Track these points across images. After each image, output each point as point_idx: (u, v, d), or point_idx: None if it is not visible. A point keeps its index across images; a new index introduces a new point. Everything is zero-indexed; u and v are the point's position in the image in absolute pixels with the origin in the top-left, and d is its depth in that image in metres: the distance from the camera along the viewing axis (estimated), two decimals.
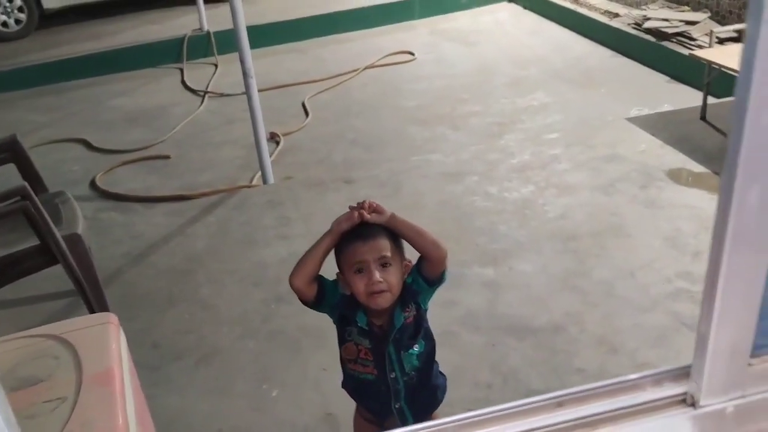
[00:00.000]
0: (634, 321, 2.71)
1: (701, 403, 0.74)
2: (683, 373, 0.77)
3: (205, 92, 5.97)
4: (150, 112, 5.69)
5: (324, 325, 2.87)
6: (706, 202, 3.48)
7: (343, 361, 1.71)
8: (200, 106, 5.69)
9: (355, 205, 1.58)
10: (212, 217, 3.91)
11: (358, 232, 1.57)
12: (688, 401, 0.75)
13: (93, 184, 4.45)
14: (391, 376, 1.64)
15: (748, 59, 0.57)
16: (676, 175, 3.77)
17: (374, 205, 1.57)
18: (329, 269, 1.66)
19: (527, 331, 2.71)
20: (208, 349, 2.82)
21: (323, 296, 1.63)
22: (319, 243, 1.59)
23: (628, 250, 3.17)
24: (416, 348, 1.65)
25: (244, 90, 4.06)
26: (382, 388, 1.66)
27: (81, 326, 1.23)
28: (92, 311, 2.61)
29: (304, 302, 1.65)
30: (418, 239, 1.57)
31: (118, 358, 1.12)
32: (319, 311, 1.68)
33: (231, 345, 2.84)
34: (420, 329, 1.66)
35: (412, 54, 6.35)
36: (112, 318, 1.23)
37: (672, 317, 2.70)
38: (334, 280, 1.64)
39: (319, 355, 2.64)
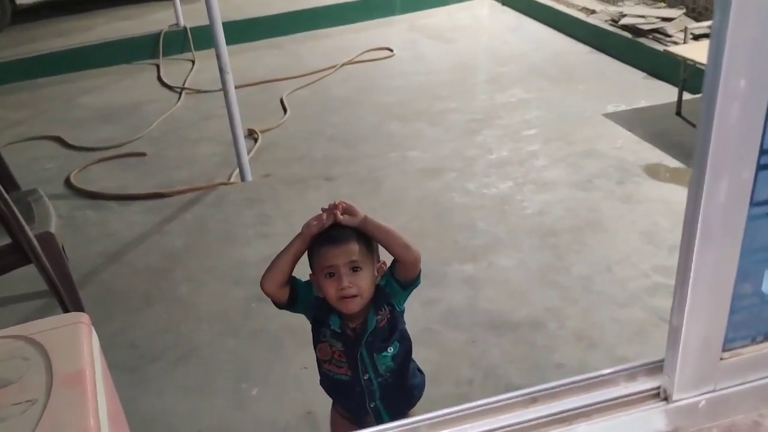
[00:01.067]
0: (613, 316, 2.73)
1: (674, 397, 0.74)
2: (657, 367, 0.77)
3: (182, 89, 5.91)
4: (125, 109, 5.61)
5: (306, 324, 2.86)
6: (682, 197, 3.48)
7: (319, 362, 1.71)
8: (177, 102, 5.63)
9: (328, 207, 1.56)
10: (189, 215, 3.87)
11: (330, 235, 1.55)
12: (661, 395, 0.75)
13: (67, 182, 4.38)
14: (365, 378, 1.64)
15: (715, 53, 0.56)
16: (653, 171, 3.81)
17: (346, 206, 1.55)
18: (303, 270, 1.65)
19: (507, 327, 2.72)
20: (187, 349, 2.80)
21: (296, 298, 1.62)
22: (290, 247, 1.57)
23: (605, 245, 3.20)
24: (390, 350, 1.65)
25: (219, 87, 4.02)
26: (356, 388, 1.65)
27: (51, 326, 1.20)
28: (67, 312, 2.56)
29: (278, 305, 1.64)
30: (390, 242, 1.55)
31: (90, 359, 1.10)
32: (294, 312, 1.67)
33: (210, 344, 2.81)
34: (395, 331, 1.65)
35: (391, 50, 6.33)
36: (83, 318, 1.21)
37: (650, 312, 2.72)
38: (308, 281, 1.62)
39: (301, 353, 2.62)
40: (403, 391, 1.72)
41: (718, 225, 0.62)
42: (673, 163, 3.86)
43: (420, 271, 1.61)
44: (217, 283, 3.22)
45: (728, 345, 0.71)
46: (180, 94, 5.81)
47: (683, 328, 0.67)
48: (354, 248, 1.53)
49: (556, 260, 3.11)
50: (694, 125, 4.27)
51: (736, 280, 0.66)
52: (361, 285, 1.54)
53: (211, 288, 3.19)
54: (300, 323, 2.60)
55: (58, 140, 5.07)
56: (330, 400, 1.83)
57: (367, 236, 1.56)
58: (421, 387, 1.78)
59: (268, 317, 2.93)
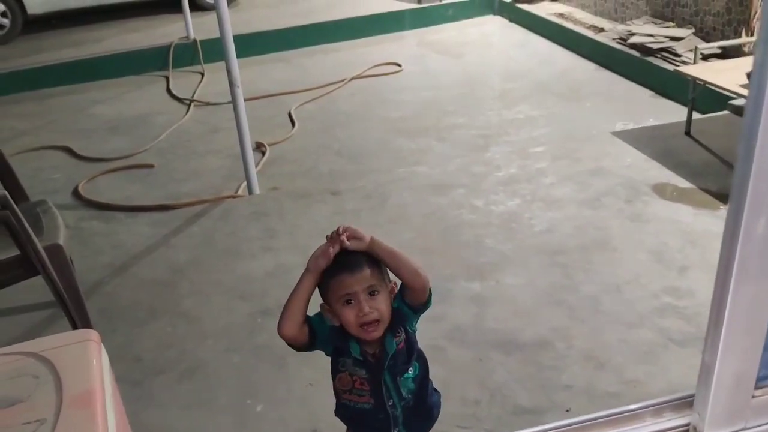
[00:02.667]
0: (621, 336, 2.71)
1: None
2: (684, 403, 0.75)
3: (191, 101, 5.93)
4: (134, 121, 5.63)
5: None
6: (691, 217, 3.50)
7: (337, 392, 1.66)
8: (185, 114, 5.64)
9: (332, 234, 1.52)
10: (196, 228, 3.86)
11: (342, 261, 1.50)
12: None
13: (75, 193, 4.38)
14: (389, 404, 1.61)
15: (756, 92, 0.55)
16: (662, 190, 3.79)
17: (351, 232, 1.50)
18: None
19: (514, 346, 2.70)
20: (192, 363, 2.77)
21: (315, 335, 1.57)
22: (301, 285, 1.51)
23: (614, 264, 3.18)
24: (411, 371, 1.62)
25: (228, 99, 4.03)
26: (380, 416, 1.61)
27: (61, 344, 1.19)
28: (73, 324, 2.55)
29: (299, 347, 1.58)
30: (398, 265, 1.51)
31: (100, 377, 1.09)
32: (314, 350, 1.62)
33: (215, 359, 2.79)
34: (413, 352, 1.63)
35: (399, 65, 6.35)
36: (93, 335, 1.20)
37: (659, 333, 2.70)
38: (318, 314, 1.57)
39: (306, 370, 2.60)
40: (424, 411, 1.70)
41: (755, 262, 0.60)
42: (682, 183, 3.85)
43: (430, 293, 1.59)
44: (223, 298, 3.21)
45: (760, 383, 0.69)
46: (189, 106, 5.83)
47: (716, 365, 0.66)
48: (369, 273, 1.51)
49: (564, 279, 3.09)
50: (703, 145, 4.26)
51: None
52: (381, 308, 1.51)
53: (216, 302, 3.18)
54: None
55: (67, 150, 5.08)
56: (339, 421, 1.80)
57: (376, 258, 1.54)
58: (438, 405, 1.75)
59: (272, 333, 2.88)
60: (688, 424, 0.71)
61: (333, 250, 1.48)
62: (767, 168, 0.55)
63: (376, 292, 1.51)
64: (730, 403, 0.67)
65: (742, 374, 0.66)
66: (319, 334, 1.57)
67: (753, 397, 0.68)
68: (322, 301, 1.57)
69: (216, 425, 2.45)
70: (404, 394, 1.62)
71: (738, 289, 0.61)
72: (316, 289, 1.54)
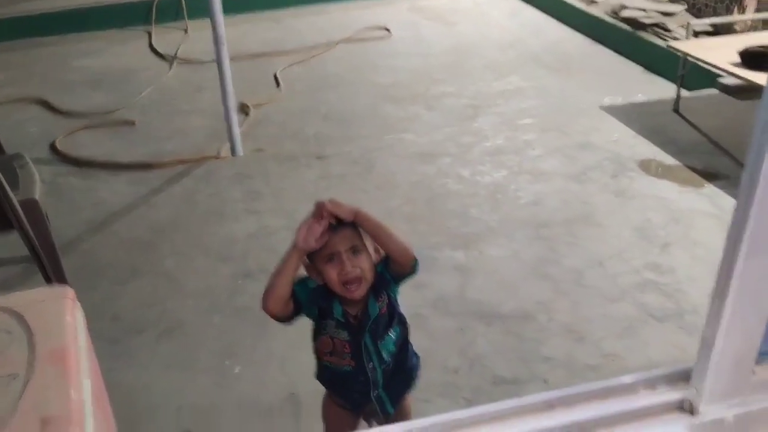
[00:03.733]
0: (602, 311, 2.72)
1: (701, 410, 0.71)
2: (678, 377, 0.74)
3: (174, 58, 5.79)
4: (115, 76, 5.49)
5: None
6: (675, 194, 3.50)
7: (318, 354, 1.66)
8: (168, 72, 5.51)
9: (315, 208, 1.47)
10: (178, 188, 3.80)
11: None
12: (686, 408, 0.72)
13: (53, 148, 4.28)
14: (369, 367, 1.60)
15: None
16: (647, 166, 3.79)
17: (332, 206, 1.45)
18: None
19: (496, 317, 2.70)
20: (171, 324, 2.75)
21: (299, 304, 1.55)
22: (288, 263, 1.47)
23: (598, 239, 3.18)
24: (392, 335, 1.62)
25: (212, 57, 3.93)
26: (360, 378, 1.62)
27: (36, 299, 1.15)
28: (48, 280, 2.50)
29: (284, 320, 1.56)
30: (384, 239, 1.49)
31: (74, 334, 1.05)
32: (299, 318, 1.60)
33: (195, 320, 2.76)
34: (394, 316, 1.62)
35: (388, 30, 6.25)
36: (68, 292, 1.16)
37: (639, 308, 2.71)
38: (299, 280, 1.55)
39: (287, 333, 2.56)
40: (404, 374, 1.69)
41: (767, 234, 0.58)
42: (669, 159, 3.84)
43: (416, 264, 1.56)
44: (204, 259, 3.17)
45: (761, 358, 0.68)
46: (171, 63, 5.69)
47: (717, 339, 0.64)
48: (351, 231, 1.49)
49: (548, 252, 3.09)
50: (690, 123, 4.25)
51: None
52: (364, 267, 1.50)
53: (197, 263, 3.14)
54: None
55: (45, 104, 4.95)
56: (317, 384, 1.79)
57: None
58: (418, 368, 1.75)
59: (253, 295, 2.86)
60: (683, 399, 0.70)
61: (320, 228, 1.44)
62: None
63: (358, 251, 1.49)
64: (729, 378, 0.66)
65: (744, 349, 0.65)
66: (303, 302, 1.55)
67: (753, 373, 0.67)
68: (306, 260, 1.55)
69: (194, 385, 2.43)
70: (385, 357, 1.61)
71: (747, 261, 0.58)
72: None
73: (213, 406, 2.35)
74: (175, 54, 5.86)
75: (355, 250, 1.49)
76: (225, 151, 4.15)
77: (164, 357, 2.58)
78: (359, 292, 1.51)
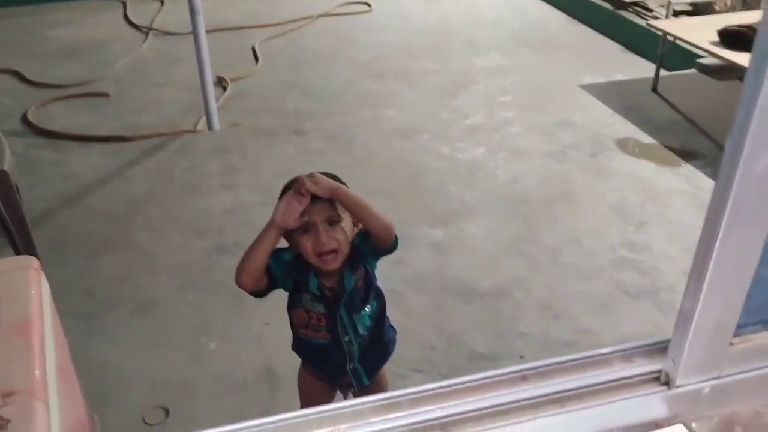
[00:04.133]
0: (578, 288, 2.73)
1: (677, 382, 0.70)
2: (655, 350, 0.73)
3: (149, 29, 5.66)
4: (89, 47, 5.36)
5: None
6: (652, 173, 3.52)
7: (294, 326, 1.64)
8: (143, 43, 5.39)
9: (295, 186, 1.42)
10: (153, 161, 3.73)
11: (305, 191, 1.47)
12: (662, 380, 0.71)
13: (24, 119, 4.18)
14: (345, 340, 1.59)
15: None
16: (625, 145, 3.80)
17: (311, 187, 1.40)
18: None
19: (473, 294, 2.70)
20: (145, 299, 2.71)
21: (273, 278, 1.52)
22: (264, 238, 1.44)
23: (575, 217, 3.19)
24: (368, 309, 1.60)
25: (189, 29, 3.84)
26: (336, 351, 1.60)
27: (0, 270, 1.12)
28: (18, 253, 2.45)
29: (258, 294, 1.53)
30: (365, 216, 1.47)
31: (39, 307, 1.02)
32: (274, 290, 1.57)
33: (169, 295, 2.73)
34: (371, 290, 1.61)
35: (369, 5, 6.16)
36: (33, 263, 1.12)
37: (614, 285, 2.73)
38: (275, 252, 1.50)
39: (262, 309, 2.56)
40: (379, 347, 1.68)
41: (751, 203, 0.57)
42: (646, 138, 3.86)
43: (396, 240, 1.54)
44: (179, 234, 3.12)
45: (739, 330, 0.67)
46: (147, 34, 5.57)
47: (697, 310, 0.63)
48: (329, 204, 1.46)
49: (526, 230, 3.09)
50: (668, 102, 4.27)
51: (759, 262, 0.62)
52: (340, 239, 1.46)
53: (172, 238, 3.09)
54: None
55: (16, 74, 4.82)
56: (293, 359, 1.77)
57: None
58: (394, 342, 1.75)
59: (229, 270, 2.81)
60: (659, 371, 0.70)
61: (299, 206, 1.41)
62: None
63: (336, 222, 1.46)
64: (707, 350, 0.66)
65: (723, 321, 0.64)
66: (278, 276, 1.52)
67: (731, 344, 0.67)
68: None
69: (168, 362, 2.40)
70: (360, 330, 1.60)
71: (729, 230, 0.58)
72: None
73: (188, 382, 2.33)
74: (151, 25, 5.73)
75: (331, 222, 1.46)
76: (201, 124, 4.08)
77: (138, 333, 2.54)
78: (334, 264, 1.48)
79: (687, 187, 3.39)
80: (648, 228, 3.09)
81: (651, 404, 0.70)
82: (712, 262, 0.60)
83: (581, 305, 2.65)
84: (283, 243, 1.59)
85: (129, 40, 5.49)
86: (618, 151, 3.75)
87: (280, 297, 1.63)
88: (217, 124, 4.02)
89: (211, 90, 3.95)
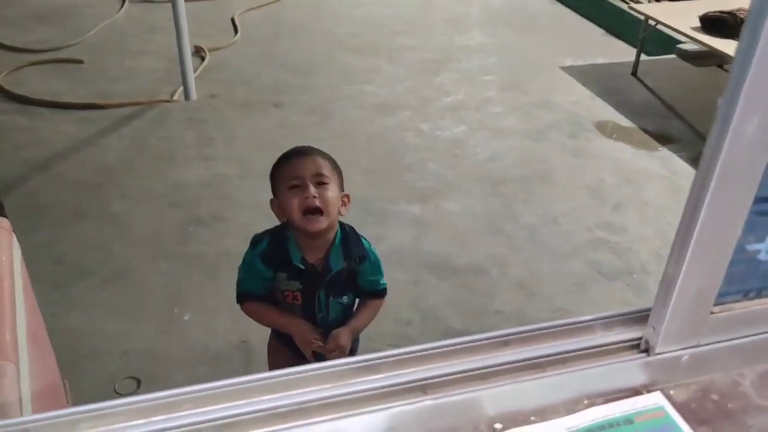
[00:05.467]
0: (554, 267, 2.75)
1: (657, 350, 0.70)
2: (635, 318, 0.73)
3: None
4: (63, 11, 5.22)
5: (244, 249, 2.76)
6: (630, 156, 3.55)
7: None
8: (120, 10, 5.26)
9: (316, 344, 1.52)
10: (127, 130, 3.66)
11: (296, 148, 1.48)
12: (642, 347, 0.71)
13: None
14: (319, 317, 1.57)
15: None
16: (604, 128, 3.82)
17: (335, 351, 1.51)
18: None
19: (450, 271, 2.70)
20: (117, 269, 2.66)
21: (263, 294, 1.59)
22: (277, 324, 1.60)
23: (553, 197, 3.20)
24: (345, 299, 1.59)
25: None
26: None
27: None
28: None
29: None
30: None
31: (9, 268, 0.99)
32: None
33: (142, 266, 2.69)
34: (354, 284, 1.59)
35: None
36: (4, 223, 1.09)
37: (590, 266, 2.75)
38: (253, 241, 1.56)
39: None
40: None
41: (739, 165, 0.57)
42: (624, 122, 3.88)
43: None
44: (153, 204, 3.07)
45: (720, 299, 0.68)
46: (123, 1, 5.43)
47: (680, 278, 0.63)
48: (321, 161, 1.45)
49: (504, 208, 3.10)
50: (647, 86, 4.30)
51: (744, 229, 0.62)
52: (327, 198, 1.44)
53: (146, 208, 3.04)
54: (237, 251, 2.50)
55: None
56: (267, 332, 1.76)
57: (334, 161, 1.51)
58: (357, 340, 1.73)
59: (204, 242, 2.83)
60: (640, 338, 0.70)
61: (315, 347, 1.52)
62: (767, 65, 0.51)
63: (324, 183, 1.45)
64: (687, 318, 0.66)
65: (704, 289, 0.64)
66: (264, 290, 1.57)
67: (711, 313, 0.67)
68: (272, 198, 1.52)
69: (141, 331, 2.37)
70: (331, 317, 1.58)
71: (715, 196, 0.57)
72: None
73: (160, 353, 2.30)
74: None
75: (320, 181, 1.44)
76: (178, 95, 4.00)
77: (109, 303, 2.51)
78: (319, 225, 1.45)
79: (663, 170, 3.42)
80: (624, 210, 3.11)
81: (630, 371, 0.71)
82: (697, 228, 0.60)
83: (557, 284, 2.67)
84: (260, 227, 1.59)
85: (104, 6, 5.35)
86: (596, 133, 3.76)
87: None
88: (194, 94, 3.95)
89: (189, 59, 3.87)
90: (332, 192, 1.46)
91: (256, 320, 1.61)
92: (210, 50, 4.57)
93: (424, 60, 4.61)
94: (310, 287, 1.54)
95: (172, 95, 4.01)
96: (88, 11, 5.22)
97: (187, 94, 3.95)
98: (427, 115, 3.88)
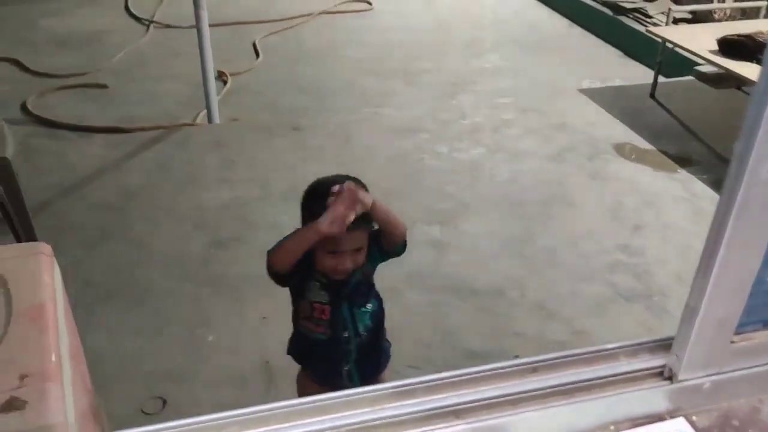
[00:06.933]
0: (573, 289, 2.76)
1: (680, 377, 0.72)
2: (658, 346, 0.75)
3: (151, 21, 5.66)
4: (88, 37, 5.35)
5: (266, 273, 2.80)
6: (648, 178, 3.55)
7: (296, 318, 1.65)
8: (145, 36, 5.39)
9: (338, 191, 1.42)
10: (151, 153, 3.73)
11: None
12: (665, 374, 0.74)
13: (24, 108, 4.17)
14: (344, 335, 1.60)
15: None
16: (622, 150, 3.83)
17: (355, 192, 1.41)
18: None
19: (469, 293, 2.72)
20: (142, 290, 2.71)
21: (295, 273, 1.54)
22: (305, 238, 1.46)
23: (571, 219, 3.22)
24: (369, 306, 1.62)
25: (190, 23, 3.85)
26: (332, 348, 1.61)
27: (11, 255, 1.12)
28: (19, 241, 2.45)
29: (279, 280, 1.56)
30: (392, 229, 1.53)
31: (52, 292, 1.03)
32: (282, 283, 1.59)
33: (166, 287, 2.73)
34: (371, 287, 1.62)
35: (369, 3, 6.18)
36: (45, 248, 1.13)
37: (609, 287, 2.76)
38: None
39: (260, 303, 2.58)
40: (376, 352, 1.70)
41: (756, 205, 0.59)
42: (643, 144, 3.89)
43: (405, 244, 1.59)
44: (176, 226, 3.13)
45: (740, 329, 0.70)
46: (148, 27, 5.57)
47: (702, 307, 0.66)
48: (361, 234, 1.50)
49: (523, 230, 3.12)
50: (666, 108, 4.31)
51: (762, 263, 0.65)
52: (359, 261, 1.52)
53: (169, 230, 3.10)
54: (258, 273, 2.54)
55: (15, 63, 4.81)
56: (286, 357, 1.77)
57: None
58: (389, 353, 1.76)
59: (227, 264, 2.87)
60: (663, 366, 0.72)
61: (349, 220, 1.40)
62: None
63: (360, 249, 1.50)
64: (709, 346, 0.68)
65: (725, 319, 0.67)
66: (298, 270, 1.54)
67: (731, 342, 0.69)
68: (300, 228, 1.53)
69: (166, 352, 2.41)
70: (360, 329, 1.61)
71: (734, 232, 0.60)
72: None
73: (185, 373, 2.34)
74: (152, 17, 5.72)
75: (357, 249, 1.49)
76: (201, 118, 4.08)
77: (134, 323, 2.55)
78: (345, 276, 1.53)
79: (682, 192, 3.42)
80: (643, 232, 3.12)
81: (655, 397, 0.73)
82: (717, 263, 0.62)
83: (576, 306, 2.67)
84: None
85: (128, 31, 5.49)
86: (615, 155, 3.78)
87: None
88: (217, 118, 4.03)
89: (213, 83, 3.96)
90: (364, 252, 1.52)
91: (284, 254, 1.49)
92: (232, 74, 4.66)
93: (442, 83, 4.66)
94: (335, 301, 1.57)
95: (195, 119, 4.09)
96: (111, 37, 5.34)
97: (210, 118, 4.03)
98: (445, 137, 3.92)
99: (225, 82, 4.56)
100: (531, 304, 2.68)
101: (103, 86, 4.53)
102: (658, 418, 0.72)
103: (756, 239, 0.62)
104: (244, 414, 0.69)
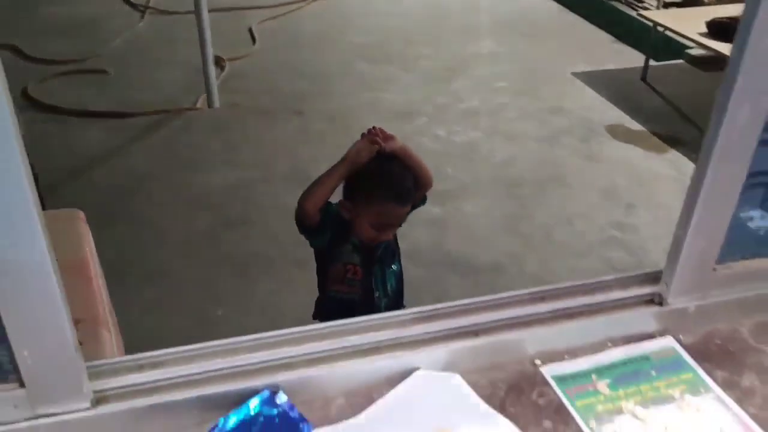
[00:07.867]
0: (569, 264, 2.86)
1: (668, 302, 0.82)
2: (649, 279, 0.86)
3: (146, 7, 5.69)
4: (85, 24, 5.39)
5: (272, 252, 2.88)
6: (641, 159, 3.65)
7: (327, 283, 1.71)
8: (140, 21, 5.43)
9: (368, 132, 1.58)
10: (155, 137, 3.80)
11: (397, 192, 1.58)
12: (656, 301, 0.84)
13: (25, 94, 4.22)
14: (376, 295, 1.68)
15: None
16: (615, 132, 3.93)
17: (385, 133, 1.57)
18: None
19: (469, 269, 2.81)
20: (152, 269, 2.79)
21: (325, 223, 1.61)
22: (335, 173, 1.56)
23: (567, 199, 3.31)
24: (395, 267, 1.71)
25: (186, 9, 3.91)
26: (364, 308, 1.68)
27: (51, 218, 1.20)
28: None
29: (306, 228, 1.62)
30: (423, 174, 1.66)
31: (91, 248, 1.11)
32: (314, 237, 1.65)
33: (176, 266, 2.81)
34: (397, 247, 1.72)
35: None
36: (80, 214, 1.22)
37: (604, 263, 2.86)
38: (334, 205, 1.62)
39: (267, 280, 2.66)
40: None
41: (733, 146, 0.68)
42: (635, 126, 3.99)
43: (426, 196, 1.73)
44: (183, 208, 3.20)
45: (721, 259, 0.80)
46: (143, 13, 5.60)
47: (686, 239, 0.75)
48: (408, 209, 1.61)
49: (520, 209, 3.21)
50: (657, 91, 4.40)
51: (738, 203, 0.74)
52: (395, 231, 1.65)
53: (176, 212, 3.17)
54: (264, 251, 2.63)
55: (13, 49, 4.85)
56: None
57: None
58: (402, 304, 1.85)
59: (234, 243, 2.95)
60: (654, 293, 0.83)
61: (374, 148, 1.54)
62: (758, 58, 0.62)
63: (403, 222, 1.61)
64: (693, 274, 0.78)
65: (707, 250, 0.77)
66: (326, 219, 1.61)
67: (713, 270, 0.80)
68: (344, 199, 1.62)
69: (177, 326, 2.49)
70: (388, 288, 1.70)
71: (715, 170, 0.69)
72: None
73: None
74: (147, 3, 5.76)
75: (400, 222, 1.60)
76: (200, 103, 4.15)
77: (145, 301, 2.63)
78: (382, 241, 1.63)
79: (673, 172, 3.52)
80: (635, 210, 3.22)
81: (646, 320, 0.84)
82: (699, 200, 0.71)
83: (572, 280, 2.76)
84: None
85: (124, 17, 5.52)
86: (608, 137, 3.87)
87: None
88: (217, 102, 4.09)
89: (212, 68, 4.02)
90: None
91: (317, 191, 1.55)
92: (229, 60, 4.71)
93: (439, 68, 4.74)
94: (366, 263, 1.66)
95: (195, 104, 4.15)
96: (109, 23, 5.38)
97: (210, 102, 4.09)
98: (443, 120, 4.00)
99: (222, 68, 4.61)
100: (529, 279, 2.78)
101: (104, 72, 4.58)
102: (649, 336, 0.83)
103: (733, 181, 0.71)
104: (283, 335, 0.78)
